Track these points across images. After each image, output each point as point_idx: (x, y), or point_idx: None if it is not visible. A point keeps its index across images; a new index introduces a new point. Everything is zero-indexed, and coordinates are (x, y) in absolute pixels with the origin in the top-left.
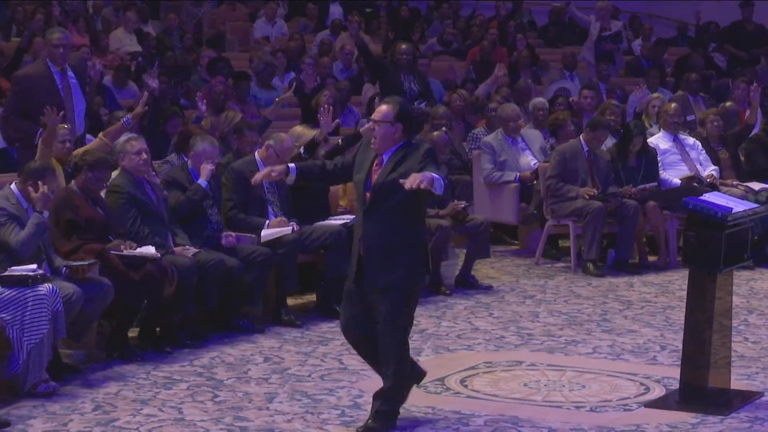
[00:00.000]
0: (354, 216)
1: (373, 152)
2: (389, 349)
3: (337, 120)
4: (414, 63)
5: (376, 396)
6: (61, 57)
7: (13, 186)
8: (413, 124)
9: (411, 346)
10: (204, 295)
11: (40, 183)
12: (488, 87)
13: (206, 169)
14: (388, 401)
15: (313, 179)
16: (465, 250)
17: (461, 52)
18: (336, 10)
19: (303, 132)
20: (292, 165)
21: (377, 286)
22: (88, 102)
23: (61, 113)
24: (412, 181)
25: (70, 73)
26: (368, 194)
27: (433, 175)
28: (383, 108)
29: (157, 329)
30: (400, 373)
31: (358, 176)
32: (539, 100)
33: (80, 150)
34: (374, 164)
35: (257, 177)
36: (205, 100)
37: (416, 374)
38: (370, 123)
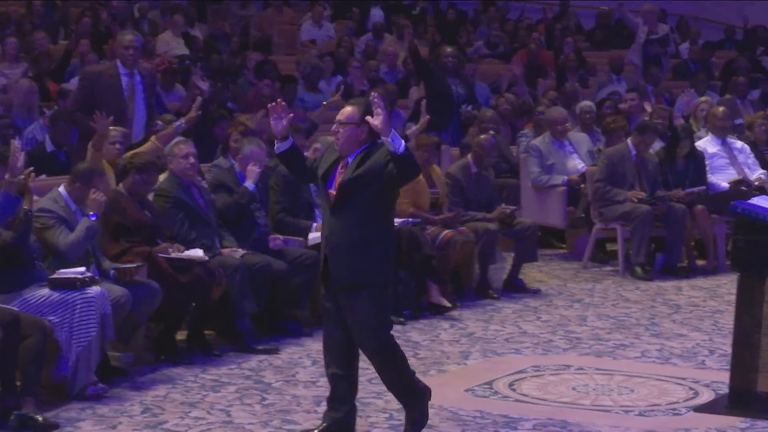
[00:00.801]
0: (402, 219)
1: (336, 154)
2: (372, 354)
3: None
4: (460, 66)
5: (404, 406)
6: (130, 59)
7: (61, 188)
8: None
9: (459, 349)
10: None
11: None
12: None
13: (253, 171)
14: (413, 405)
15: (294, 165)
16: (513, 254)
17: (508, 55)
18: (377, 13)
19: None
20: (290, 138)
21: (343, 284)
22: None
23: (110, 118)
24: (377, 108)
25: (138, 77)
26: (332, 192)
27: (393, 130)
28: (348, 109)
29: (206, 332)
30: (395, 377)
31: (321, 174)
32: (586, 104)
33: (129, 153)
34: (339, 166)
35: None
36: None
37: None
38: (335, 125)
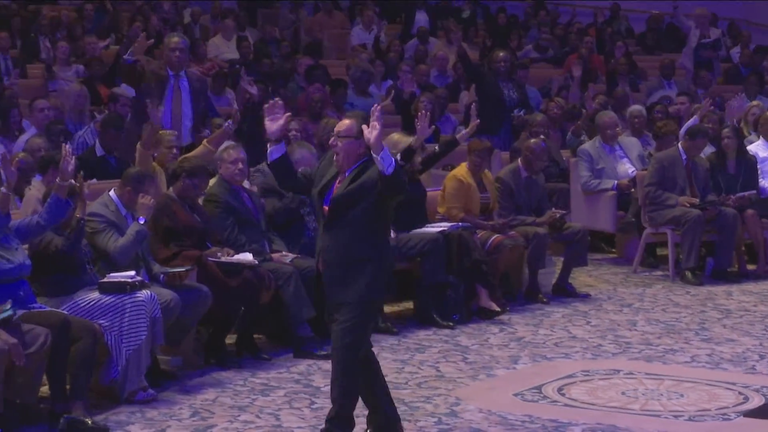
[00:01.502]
0: (452, 224)
1: (334, 168)
2: (337, 370)
3: (433, 126)
4: (512, 71)
5: (327, 421)
6: (176, 60)
7: (112, 192)
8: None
9: (508, 354)
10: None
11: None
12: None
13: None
14: (335, 429)
15: (287, 175)
16: (562, 258)
17: (558, 59)
18: (422, 18)
19: (400, 139)
20: (283, 144)
21: (335, 301)
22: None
23: (160, 108)
24: (374, 123)
25: (184, 81)
26: (326, 208)
27: (386, 148)
28: (346, 122)
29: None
30: (346, 396)
31: (315, 189)
32: (636, 108)
33: (180, 157)
34: (337, 180)
35: (268, 104)
36: None
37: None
38: (333, 138)
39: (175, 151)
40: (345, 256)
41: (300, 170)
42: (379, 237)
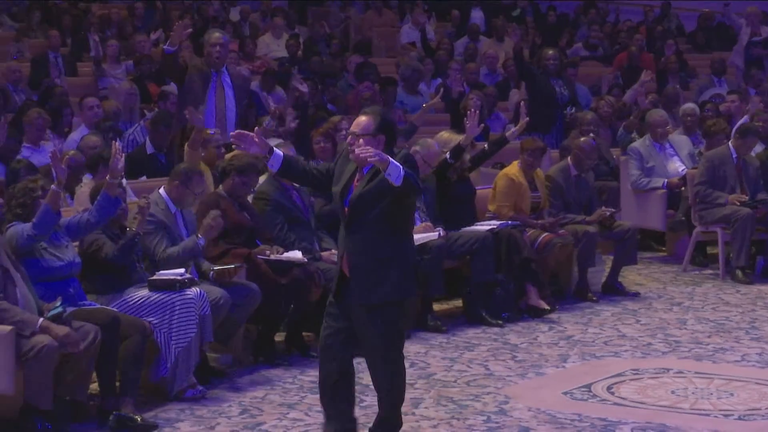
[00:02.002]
0: (501, 222)
1: (352, 164)
2: (384, 373)
3: (483, 124)
4: (562, 69)
5: (374, 427)
6: (216, 56)
7: (161, 190)
8: (395, 135)
9: (557, 352)
10: None
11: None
12: (635, 93)
13: None
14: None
15: (294, 177)
16: (612, 257)
17: (607, 57)
18: (477, 15)
19: (449, 137)
20: (279, 152)
21: (365, 304)
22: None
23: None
24: (363, 150)
25: (226, 77)
26: (347, 209)
27: (392, 160)
28: (363, 120)
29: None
30: (397, 397)
31: (336, 188)
32: (689, 106)
33: (229, 155)
34: (355, 178)
35: (234, 132)
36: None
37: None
38: (349, 136)
39: (222, 150)
40: (370, 256)
41: (315, 165)
42: (401, 235)
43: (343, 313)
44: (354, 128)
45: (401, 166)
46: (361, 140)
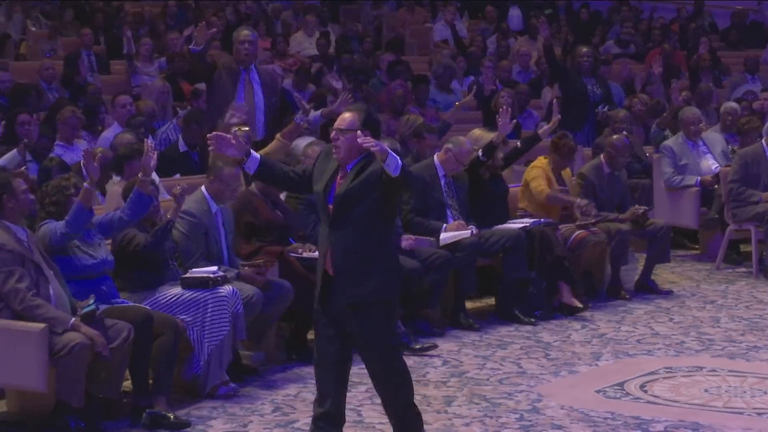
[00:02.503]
0: (534, 219)
1: (334, 162)
2: (384, 374)
3: (515, 121)
4: (596, 67)
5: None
6: (245, 53)
7: (203, 188)
8: (379, 131)
9: (590, 350)
10: None
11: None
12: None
13: None
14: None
15: (273, 181)
16: (645, 255)
17: (640, 54)
18: (515, 13)
19: (481, 135)
20: (255, 154)
21: (351, 303)
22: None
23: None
24: (366, 140)
25: (255, 74)
26: (330, 206)
27: (390, 150)
28: (347, 116)
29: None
30: (403, 396)
31: (317, 186)
32: (731, 105)
33: (261, 151)
34: (338, 176)
35: (210, 134)
36: None
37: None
38: (333, 132)
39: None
40: (355, 255)
41: (292, 168)
42: (386, 233)
43: (332, 320)
44: (339, 124)
45: (398, 157)
46: (342, 137)
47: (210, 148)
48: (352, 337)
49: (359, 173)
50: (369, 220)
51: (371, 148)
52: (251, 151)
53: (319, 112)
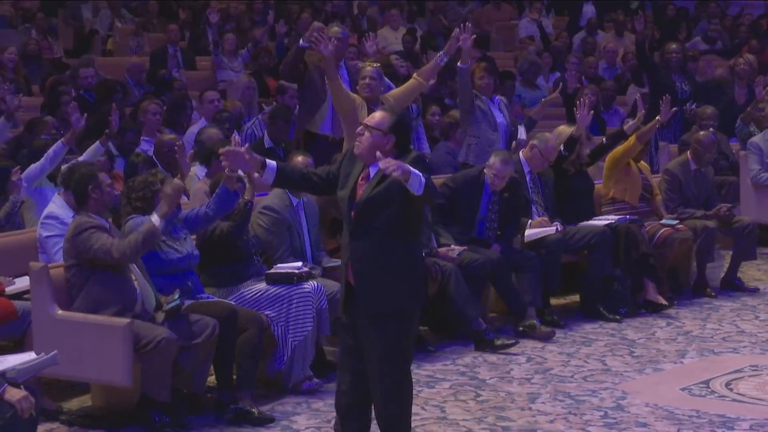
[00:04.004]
0: (620, 216)
1: (359, 165)
2: (380, 386)
3: (592, 112)
4: (684, 63)
5: None
6: (335, 50)
7: None
8: (407, 139)
9: (675, 348)
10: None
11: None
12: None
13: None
14: None
15: (294, 186)
16: (731, 252)
17: (728, 51)
18: (589, 9)
19: (563, 130)
20: (272, 163)
21: (370, 314)
22: None
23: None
24: (386, 164)
25: (344, 71)
26: (353, 213)
27: (412, 169)
28: (377, 115)
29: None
30: (391, 416)
31: (342, 192)
32: None
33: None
34: (360, 178)
35: (222, 150)
36: None
37: None
38: (360, 127)
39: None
40: (377, 264)
41: (313, 170)
42: (410, 241)
43: (352, 329)
44: (368, 120)
45: (421, 174)
46: (368, 133)
47: (223, 163)
48: (366, 347)
49: (382, 180)
50: (391, 229)
51: (393, 174)
52: (267, 161)
53: (443, 52)
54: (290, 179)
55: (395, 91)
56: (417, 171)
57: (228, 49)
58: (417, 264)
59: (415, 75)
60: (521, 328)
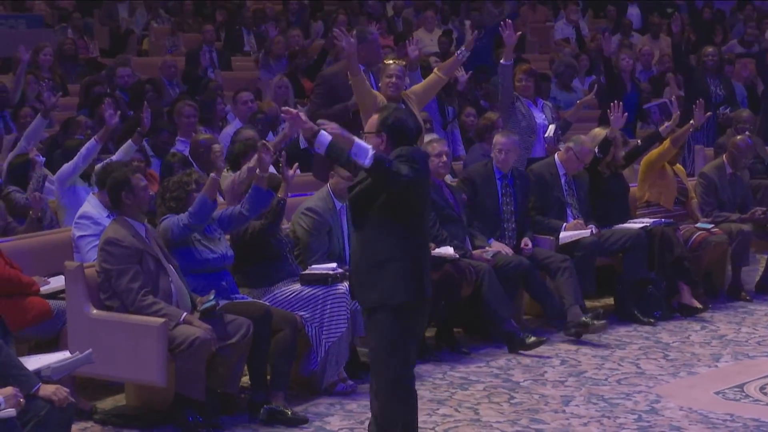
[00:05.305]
0: (655, 219)
1: None
2: (375, 387)
3: (625, 113)
4: (720, 67)
5: None
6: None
7: (328, 185)
8: (397, 136)
9: (710, 352)
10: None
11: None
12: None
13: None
14: None
15: (343, 162)
16: (766, 256)
17: (764, 54)
18: (634, 11)
19: (598, 132)
20: (326, 133)
21: (363, 307)
22: None
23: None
24: (286, 112)
25: (371, 75)
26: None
27: (357, 140)
28: (373, 117)
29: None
30: (383, 419)
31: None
32: None
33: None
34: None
35: (283, 110)
36: None
37: None
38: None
39: None
40: (366, 257)
41: None
42: (401, 235)
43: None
44: (366, 126)
45: (370, 148)
46: (366, 139)
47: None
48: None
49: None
50: (381, 222)
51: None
52: (321, 130)
53: (464, 47)
54: (341, 157)
55: (416, 87)
56: (365, 144)
57: (276, 53)
58: (407, 257)
59: (435, 70)
60: (573, 330)
